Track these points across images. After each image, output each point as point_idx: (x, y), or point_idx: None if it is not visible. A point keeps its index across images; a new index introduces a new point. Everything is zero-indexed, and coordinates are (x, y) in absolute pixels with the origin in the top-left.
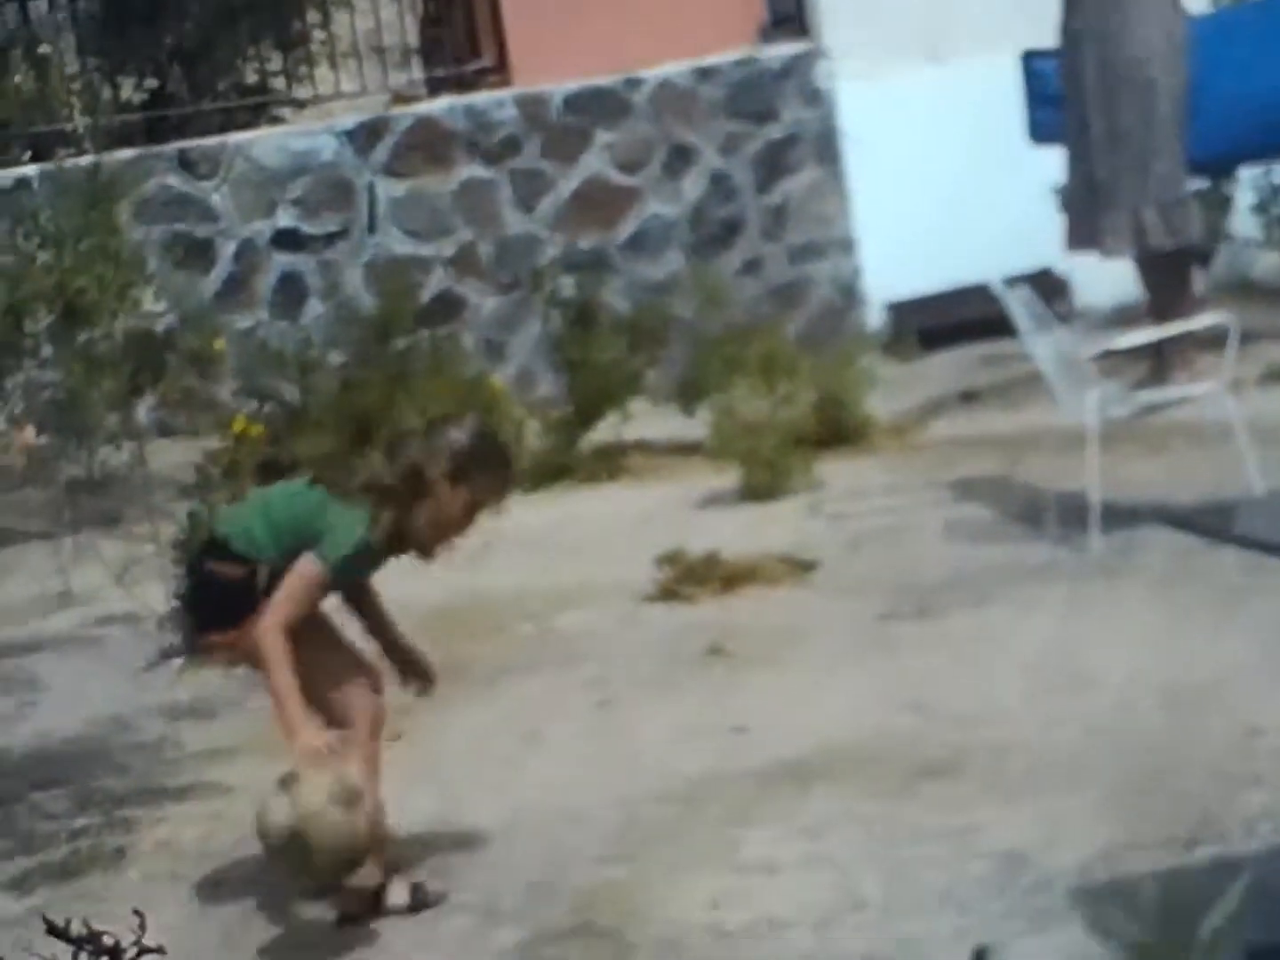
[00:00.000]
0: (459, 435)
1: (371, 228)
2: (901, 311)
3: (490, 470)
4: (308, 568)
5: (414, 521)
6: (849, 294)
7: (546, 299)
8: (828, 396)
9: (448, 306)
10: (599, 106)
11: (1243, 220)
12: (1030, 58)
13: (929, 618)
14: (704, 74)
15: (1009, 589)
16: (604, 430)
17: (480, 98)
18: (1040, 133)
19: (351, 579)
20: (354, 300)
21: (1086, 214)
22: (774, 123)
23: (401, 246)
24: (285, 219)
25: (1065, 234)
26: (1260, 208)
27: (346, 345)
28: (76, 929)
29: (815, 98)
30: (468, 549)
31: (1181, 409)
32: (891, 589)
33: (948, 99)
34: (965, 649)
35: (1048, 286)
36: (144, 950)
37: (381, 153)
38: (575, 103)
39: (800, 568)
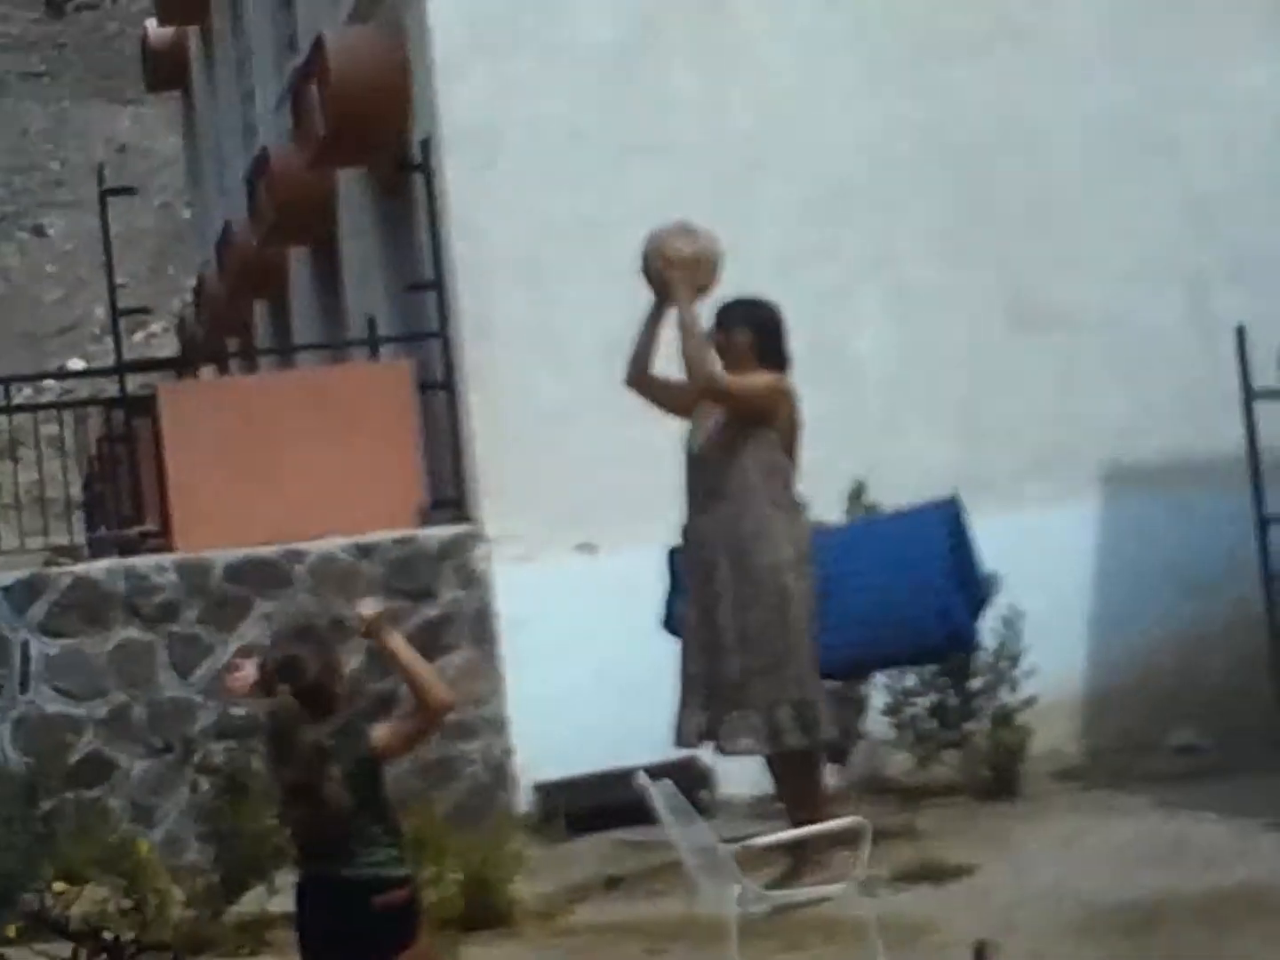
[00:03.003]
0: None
1: (24, 686)
2: (549, 792)
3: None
4: None
5: None
6: (499, 773)
7: (197, 766)
8: (475, 877)
9: (97, 768)
10: (260, 577)
11: (875, 721)
12: (675, 553)
13: None
14: (364, 550)
15: None
16: (251, 901)
17: (141, 560)
18: (677, 624)
19: None
20: (1, 758)
21: (711, 711)
22: (431, 601)
23: (53, 705)
24: None
25: (678, 730)
26: (891, 709)
27: None
28: (76, 926)
29: (472, 579)
30: None
31: (818, 906)
32: None
33: (598, 587)
34: None
35: (691, 775)
36: (144, 948)
37: (38, 611)
38: (236, 572)
39: None
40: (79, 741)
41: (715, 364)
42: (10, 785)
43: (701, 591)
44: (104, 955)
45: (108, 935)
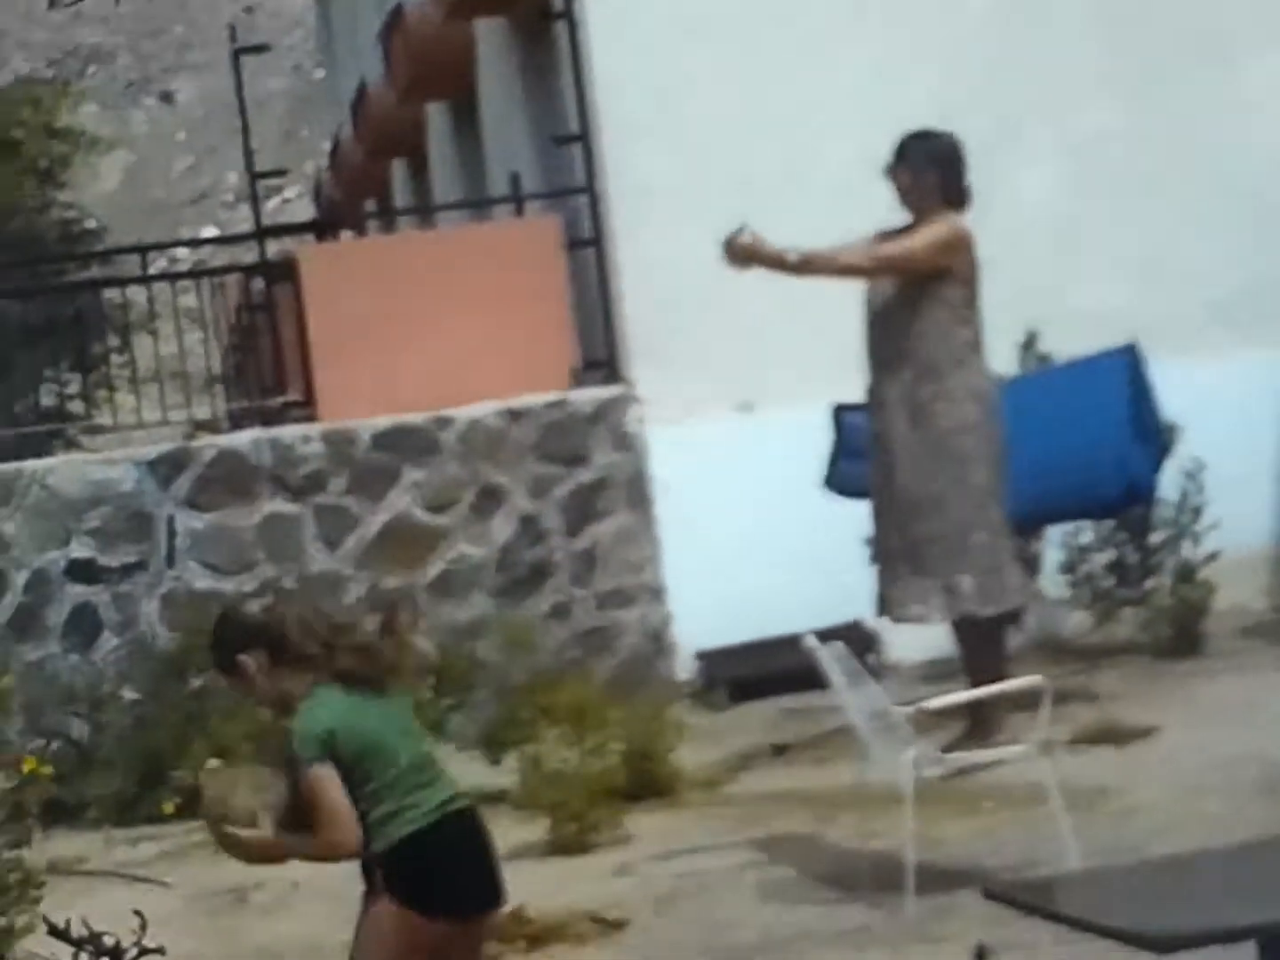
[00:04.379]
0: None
1: (170, 561)
2: (711, 660)
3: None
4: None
5: None
6: (658, 641)
7: None
8: (637, 747)
9: None
10: (408, 444)
11: (1051, 579)
12: (841, 410)
13: None
14: (514, 415)
15: (822, 954)
16: None
17: (286, 431)
18: (842, 483)
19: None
20: (150, 635)
21: (897, 579)
22: (584, 466)
23: (201, 580)
24: (80, 549)
25: (879, 600)
26: (1068, 567)
27: (140, 682)
28: (77, 930)
29: (626, 442)
30: (262, 901)
31: (995, 770)
32: (702, 951)
33: (758, 448)
34: None
35: (858, 640)
36: (144, 951)
37: (183, 484)
38: (384, 440)
39: (609, 926)
40: None
41: (861, 252)
42: (159, 662)
43: (882, 456)
44: (105, 957)
45: (108, 940)
